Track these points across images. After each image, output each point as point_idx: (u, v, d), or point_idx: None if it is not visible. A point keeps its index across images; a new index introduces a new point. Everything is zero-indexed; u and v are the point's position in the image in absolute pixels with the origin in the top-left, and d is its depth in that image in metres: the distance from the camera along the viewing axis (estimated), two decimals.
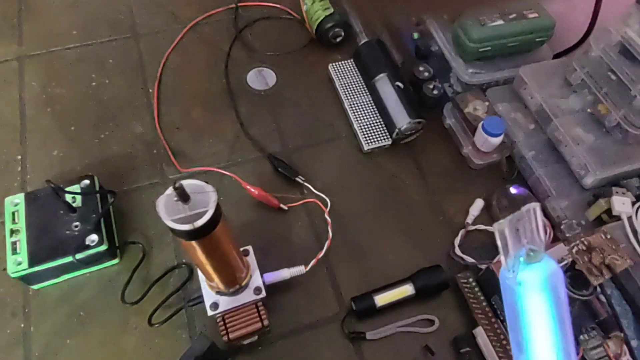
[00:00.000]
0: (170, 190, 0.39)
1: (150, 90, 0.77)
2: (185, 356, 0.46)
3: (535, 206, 0.33)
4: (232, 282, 0.52)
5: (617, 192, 0.63)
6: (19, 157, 0.69)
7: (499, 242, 0.33)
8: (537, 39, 0.75)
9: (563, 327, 0.31)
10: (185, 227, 0.38)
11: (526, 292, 0.31)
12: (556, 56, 0.80)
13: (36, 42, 0.81)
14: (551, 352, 0.30)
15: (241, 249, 0.56)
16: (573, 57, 0.72)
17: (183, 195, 0.38)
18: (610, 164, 0.65)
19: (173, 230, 0.39)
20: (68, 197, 0.60)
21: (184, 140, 0.73)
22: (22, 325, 0.58)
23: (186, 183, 0.39)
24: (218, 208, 0.40)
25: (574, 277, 0.54)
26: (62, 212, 0.59)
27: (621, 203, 0.62)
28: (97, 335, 0.58)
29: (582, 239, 0.53)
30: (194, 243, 0.42)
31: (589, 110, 0.69)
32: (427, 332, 0.60)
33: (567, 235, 0.61)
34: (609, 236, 0.53)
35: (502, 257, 0.33)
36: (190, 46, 0.83)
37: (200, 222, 0.38)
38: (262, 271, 0.56)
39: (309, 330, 0.60)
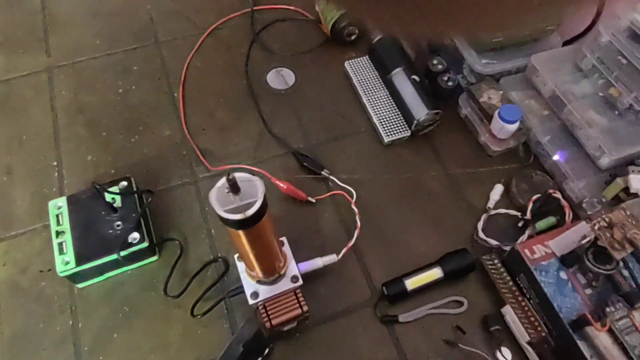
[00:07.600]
0: (220, 183, 0.41)
1: (175, 94, 0.80)
2: (235, 341, 0.49)
3: None
4: (272, 271, 0.55)
5: (633, 171, 0.65)
6: (55, 163, 0.72)
7: None
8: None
9: None
10: (237, 216, 0.41)
11: None
12: (565, 44, 0.82)
13: (63, 53, 0.84)
14: None
15: None
16: (583, 43, 0.74)
17: (235, 187, 0.41)
18: (625, 144, 0.67)
19: (224, 220, 0.42)
20: (108, 198, 0.63)
21: (211, 140, 0.76)
22: (71, 322, 0.61)
23: (237, 175, 0.41)
24: (265, 198, 0.43)
25: (597, 252, 0.56)
26: (104, 212, 0.62)
27: (638, 181, 0.64)
28: (142, 329, 0.61)
29: (604, 216, 0.55)
30: (241, 232, 0.45)
31: (600, 94, 0.72)
32: (457, 313, 0.63)
33: (589, 213, 0.63)
34: (628, 212, 0.56)
35: None
36: (210, 50, 0.86)
37: (250, 212, 0.41)
38: (296, 261, 0.59)
39: (343, 315, 0.63)
